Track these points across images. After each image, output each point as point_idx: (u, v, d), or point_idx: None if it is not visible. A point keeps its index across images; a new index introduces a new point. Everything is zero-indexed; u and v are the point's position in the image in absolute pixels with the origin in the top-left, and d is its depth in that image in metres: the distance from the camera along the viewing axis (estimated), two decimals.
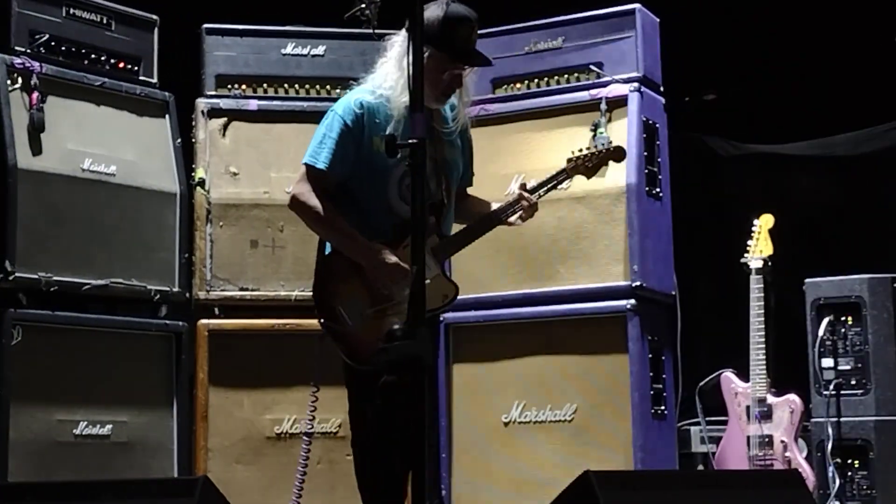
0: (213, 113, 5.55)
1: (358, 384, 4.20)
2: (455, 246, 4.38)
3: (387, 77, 4.22)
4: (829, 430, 5.63)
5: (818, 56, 6.47)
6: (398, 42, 4.22)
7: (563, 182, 4.49)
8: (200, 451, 5.32)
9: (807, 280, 5.86)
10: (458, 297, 5.37)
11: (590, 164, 4.47)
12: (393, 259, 4.13)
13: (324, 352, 4.26)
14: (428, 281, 3.77)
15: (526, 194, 4.35)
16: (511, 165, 5.40)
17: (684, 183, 5.64)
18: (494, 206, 4.41)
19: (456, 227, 4.46)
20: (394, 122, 4.18)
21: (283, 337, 5.41)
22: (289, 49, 5.62)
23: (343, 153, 4.19)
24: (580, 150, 4.50)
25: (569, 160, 4.48)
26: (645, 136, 5.30)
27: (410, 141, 3.41)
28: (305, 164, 4.24)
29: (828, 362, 5.72)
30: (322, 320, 4.20)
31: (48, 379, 4.95)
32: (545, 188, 4.41)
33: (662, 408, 5.25)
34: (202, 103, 5.56)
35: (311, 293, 4.28)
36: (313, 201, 4.19)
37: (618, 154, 4.54)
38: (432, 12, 4.14)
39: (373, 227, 4.20)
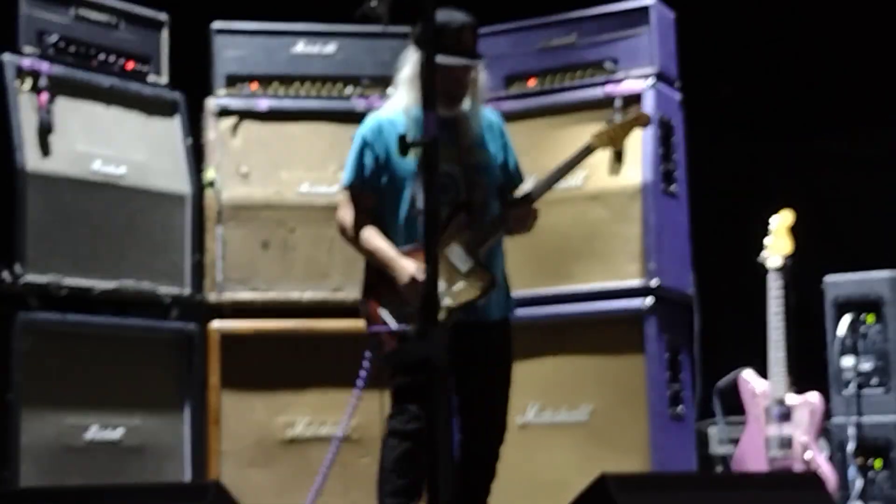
0: (224, 113, 5.53)
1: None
2: (481, 240, 4.31)
3: (400, 96, 4.34)
4: (850, 430, 5.59)
5: (840, 49, 6.41)
6: (408, 60, 4.32)
7: (587, 156, 4.34)
8: (213, 454, 5.30)
9: (826, 278, 5.81)
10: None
11: (614, 134, 4.37)
12: (406, 276, 4.17)
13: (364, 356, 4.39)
14: (464, 272, 4.19)
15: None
16: (525, 163, 5.34)
17: (701, 180, 5.59)
18: None
19: None
20: (412, 135, 4.25)
21: (295, 339, 5.38)
22: (299, 48, 5.60)
23: (365, 165, 4.30)
24: (602, 128, 4.39)
25: (594, 136, 4.36)
26: (660, 132, 5.26)
27: (421, 140, 3.43)
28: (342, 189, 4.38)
29: (848, 361, 5.68)
30: (370, 325, 4.26)
31: (59, 383, 4.94)
32: (568, 168, 4.31)
33: (680, 408, 5.22)
34: (212, 103, 5.54)
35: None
36: (347, 223, 4.31)
37: (642, 119, 4.44)
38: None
39: (408, 233, 4.28)
